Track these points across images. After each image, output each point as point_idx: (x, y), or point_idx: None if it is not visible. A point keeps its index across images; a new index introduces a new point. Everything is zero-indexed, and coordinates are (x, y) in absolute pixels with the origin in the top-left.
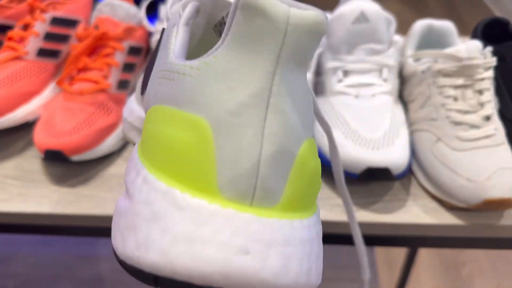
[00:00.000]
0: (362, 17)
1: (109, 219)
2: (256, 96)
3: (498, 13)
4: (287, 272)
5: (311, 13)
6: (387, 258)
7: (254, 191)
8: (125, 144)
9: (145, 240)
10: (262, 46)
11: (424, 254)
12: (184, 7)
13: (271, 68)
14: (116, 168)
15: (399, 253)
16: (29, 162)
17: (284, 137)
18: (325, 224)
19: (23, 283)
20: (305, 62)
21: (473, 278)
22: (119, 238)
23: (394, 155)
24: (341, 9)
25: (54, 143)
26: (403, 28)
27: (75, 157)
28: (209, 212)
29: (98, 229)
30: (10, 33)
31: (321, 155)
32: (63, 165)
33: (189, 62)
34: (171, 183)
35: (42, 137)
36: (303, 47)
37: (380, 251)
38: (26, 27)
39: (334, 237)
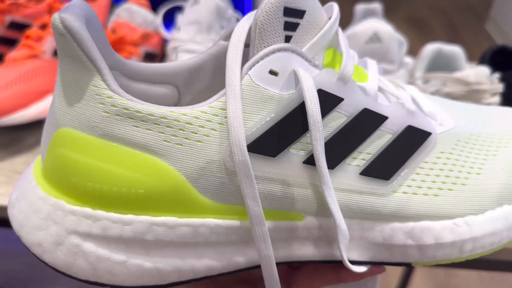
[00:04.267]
0: (375, 37)
1: None
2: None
3: (500, 40)
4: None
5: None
6: (382, 276)
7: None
8: None
9: None
10: None
11: (418, 275)
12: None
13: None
14: None
15: (394, 273)
16: None
17: (48, 121)
18: None
19: (20, 281)
20: (74, 59)
21: None
22: None
23: None
24: (355, 29)
25: None
26: (407, 51)
27: None
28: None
29: None
30: (28, 32)
31: None
32: None
33: None
34: None
35: None
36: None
37: None
38: (43, 26)
39: None
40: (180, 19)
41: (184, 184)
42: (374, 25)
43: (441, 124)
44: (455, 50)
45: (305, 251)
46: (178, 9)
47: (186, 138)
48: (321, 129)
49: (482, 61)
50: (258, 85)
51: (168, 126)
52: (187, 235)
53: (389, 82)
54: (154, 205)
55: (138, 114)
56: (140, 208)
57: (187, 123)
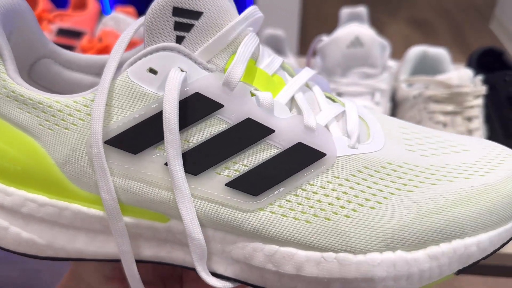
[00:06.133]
0: (357, 42)
1: None
2: None
3: (505, 41)
4: None
5: None
6: None
7: None
8: None
9: None
10: None
11: None
12: None
13: None
14: None
15: None
16: None
17: None
18: None
19: (18, 287)
20: None
21: None
22: None
23: None
24: (337, 33)
25: None
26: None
27: None
28: None
29: None
30: None
31: None
32: None
33: None
34: None
35: None
36: None
37: None
38: None
39: None
40: None
41: (53, 167)
42: (355, 29)
43: (354, 147)
44: (440, 53)
45: (176, 255)
46: None
47: (57, 125)
48: (174, 131)
49: (469, 63)
50: (133, 82)
51: (43, 111)
52: (53, 215)
53: (324, 95)
54: (29, 182)
55: (21, 97)
56: (19, 183)
57: (58, 110)
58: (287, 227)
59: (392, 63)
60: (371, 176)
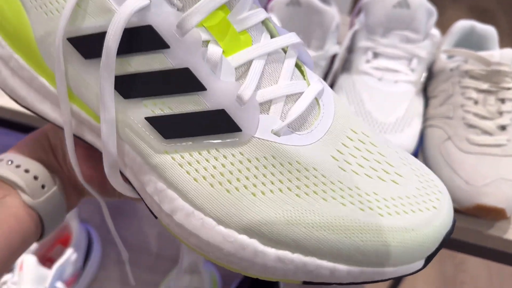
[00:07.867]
0: (404, 3)
1: None
2: None
3: None
4: None
5: None
6: None
7: None
8: None
9: None
10: None
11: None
12: None
13: None
14: None
15: None
16: None
17: None
18: None
19: None
20: None
21: None
22: None
23: (400, 142)
24: None
25: None
26: None
27: None
28: None
29: None
30: None
31: None
32: None
33: None
34: None
35: None
36: None
37: None
38: None
39: None
40: None
41: (33, 40)
42: None
43: (277, 134)
44: (488, 30)
45: None
46: None
47: (40, 7)
48: (111, 55)
49: None
50: None
51: None
52: (28, 79)
53: (298, 69)
54: (17, 43)
55: None
56: (10, 40)
57: None
58: (177, 176)
59: (436, 32)
60: (273, 166)
